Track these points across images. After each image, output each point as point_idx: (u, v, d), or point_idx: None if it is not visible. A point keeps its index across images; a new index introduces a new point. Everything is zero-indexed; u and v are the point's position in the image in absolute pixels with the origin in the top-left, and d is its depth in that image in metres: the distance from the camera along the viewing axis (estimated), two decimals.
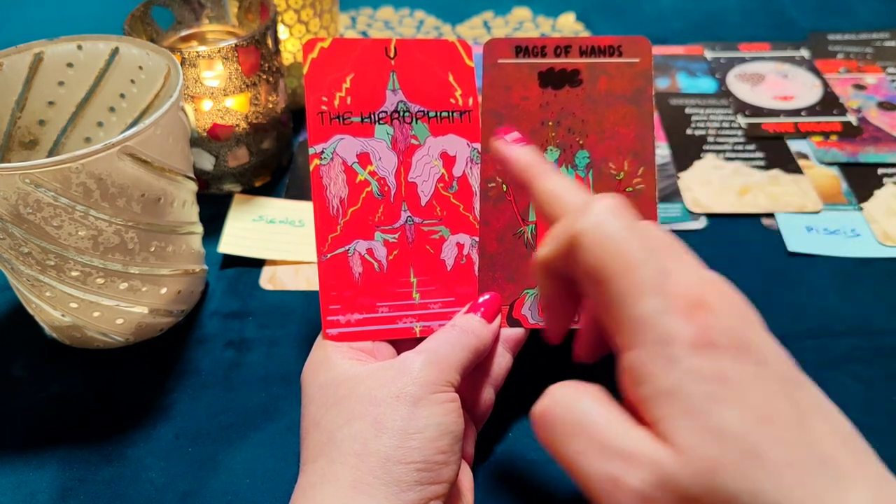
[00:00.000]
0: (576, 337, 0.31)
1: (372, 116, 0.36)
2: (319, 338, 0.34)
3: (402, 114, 0.36)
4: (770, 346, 0.24)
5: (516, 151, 0.31)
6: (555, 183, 0.29)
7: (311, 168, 0.35)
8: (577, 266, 0.26)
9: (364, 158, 0.36)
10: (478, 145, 0.37)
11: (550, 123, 0.37)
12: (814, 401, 0.23)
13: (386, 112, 0.36)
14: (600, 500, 0.23)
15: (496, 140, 0.33)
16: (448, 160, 0.37)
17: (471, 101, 0.37)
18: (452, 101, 0.37)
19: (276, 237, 0.49)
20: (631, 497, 0.22)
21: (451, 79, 0.37)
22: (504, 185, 0.37)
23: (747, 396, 0.22)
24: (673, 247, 0.26)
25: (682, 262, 0.25)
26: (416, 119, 0.36)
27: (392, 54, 0.36)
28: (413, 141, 0.36)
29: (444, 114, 0.37)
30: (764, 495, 0.21)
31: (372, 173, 0.36)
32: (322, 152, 0.35)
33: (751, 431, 0.22)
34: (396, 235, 0.36)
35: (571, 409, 0.24)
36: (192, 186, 0.41)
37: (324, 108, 0.36)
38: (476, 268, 0.37)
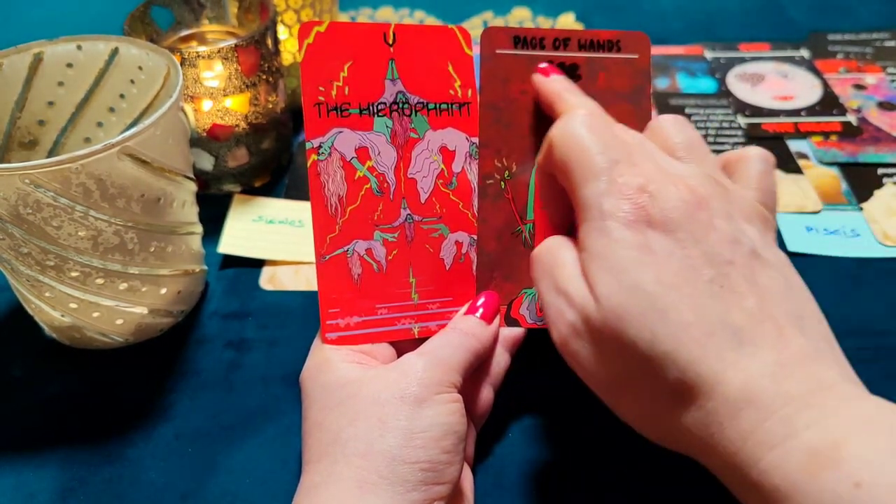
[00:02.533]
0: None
1: (371, 108, 0.34)
2: (317, 340, 0.34)
3: (401, 105, 0.35)
4: (719, 233, 0.27)
5: (548, 80, 0.35)
6: (566, 100, 0.33)
7: (309, 164, 0.34)
8: (554, 165, 0.31)
9: (363, 153, 0.34)
10: (476, 140, 0.36)
11: (549, 119, 0.37)
12: (751, 284, 0.26)
13: (385, 103, 0.35)
14: (551, 323, 0.29)
15: (535, 74, 0.36)
16: (447, 155, 0.36)
17: (470, 92, 0.36)
18: (452, 92, 0.36)
19: (276, 237, 0.49)
20: (566, 327, 0.28)
21: (450, 68, 0.36)
22: (502, 183, 0.37)
23: (666, 265, 0.26)
24: (638, 145, 0.30)
25: (642, 155, 0.29)
26: (416, 111, 0.35)
27: (391, 41, 0.35)
28: (412, 134, 0.35)
29: (444, 106, 0.36)
30: (660, 345, 0.25)
31: (371, 169, 0.34)
32: (319, 147, 0.34)
33: (661, 292, 0.26)
34: (396, 234, 0.35)
35: (552, 254, 0.30)
36: (192, 187, 0.41)
37: (321, 98, 0.34)
38: (474, 267, 0.36)
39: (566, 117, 0.31)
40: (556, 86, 0.34)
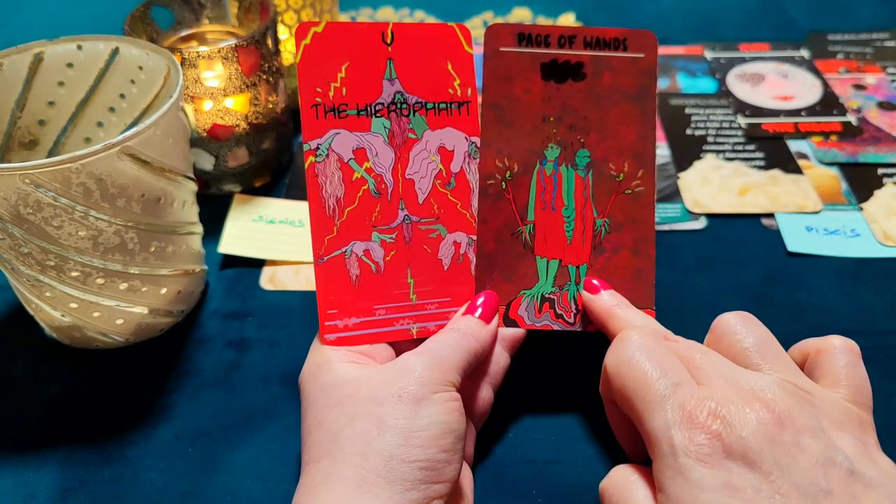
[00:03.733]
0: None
1: (368, 109, 0.34)
2: (316, 341, 0.34)
3: (399, 106, 0.35)
4: (808, 455, 0.24)
5: (598, 297, 0.35)
6: (619, 317, 0.32)
7: (306, 165, 0.34)
8: (614, 395, 0.29)
9: (360, 154, 0.34)
10: (476, 139, 0.36)
11: (552, 119, 0.36)
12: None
13: (383, 104, 0.34)
14: None
15: (584, 291, 0.35)
16: (446, 155, 0.36)
17: (469, 91, 0.36)
18: (451, 91, 0.35)
19: (276, 237, 0.49)
20: None
21: (449, 67, 0.35)
22: (503, 183, 0.36)
23: None
24: (701, 359, 0.28)
25: (708, 371, 0.27)
26: (414, 111, 0.35)
27: (389, 40, 0.34)
28: (410, 135, 0.35)
29: (443, 105, 0.35)
30: None
31: (368, 170, 0.34)
32: (317, 148, 0.34)
33: None
34: (394, 235, 0.35)
35: (622, 493, 0.27)
36: (192, 187, 0.41)
37: (318, 100, 0.34)
38: (473, 267, 0.36)
39: (617, 343, 0.29)
40: (606, 302, 0.34)
